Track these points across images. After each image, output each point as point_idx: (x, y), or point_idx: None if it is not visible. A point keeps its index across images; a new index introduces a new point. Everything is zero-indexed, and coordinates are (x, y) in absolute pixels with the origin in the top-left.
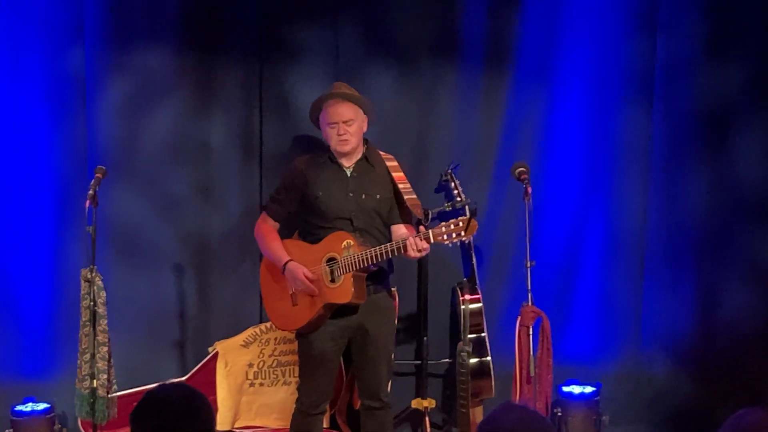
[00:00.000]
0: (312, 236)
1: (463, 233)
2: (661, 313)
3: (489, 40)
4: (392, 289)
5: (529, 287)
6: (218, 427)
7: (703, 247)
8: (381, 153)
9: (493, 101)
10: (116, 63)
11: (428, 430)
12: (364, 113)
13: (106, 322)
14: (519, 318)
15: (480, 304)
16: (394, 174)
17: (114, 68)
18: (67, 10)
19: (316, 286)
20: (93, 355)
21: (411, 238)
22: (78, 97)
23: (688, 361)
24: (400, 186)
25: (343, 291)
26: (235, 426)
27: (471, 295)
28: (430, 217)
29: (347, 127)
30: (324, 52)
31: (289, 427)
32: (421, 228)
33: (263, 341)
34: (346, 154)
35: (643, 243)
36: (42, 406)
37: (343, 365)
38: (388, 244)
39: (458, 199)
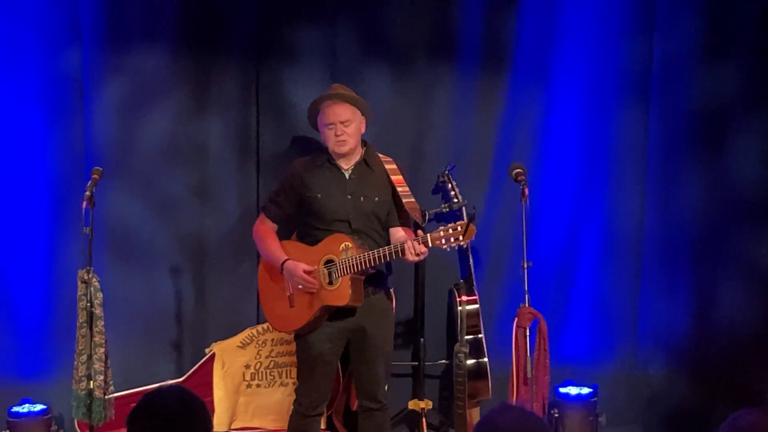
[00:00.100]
0: (310, 238)
1: (461, 238)
2: (658, 314)
3: (486, 41)
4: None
5: (526, 288)
6: (215, 429)
7: (699, 248)
8: (380, 155)
9: (490, 102)
10: (113, 64)
11: (425, 431)
12: (362, 114)
13: (103, 323)
14: (516, 319)
15: (477, 306)
16: (393, 177)
17: (111, 69)
18: (64, 11)
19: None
20: (90, 357)
21: (409, 242)
22: (75, 98)
23: (685, 362)
24: (399, 189)
25: (341, 293)
26: (232, 427)
27: (468, 296)
28: (427, 218)
29: (345, 128)
30: (321, 54)
31: (286, 428)
32: (420, 232)
33: (260, 342)
34: (344, 156)
35: (640, 244)
36: (39, 407)
37: (340, 366)
38: (386, 247)
39: (455, 200)
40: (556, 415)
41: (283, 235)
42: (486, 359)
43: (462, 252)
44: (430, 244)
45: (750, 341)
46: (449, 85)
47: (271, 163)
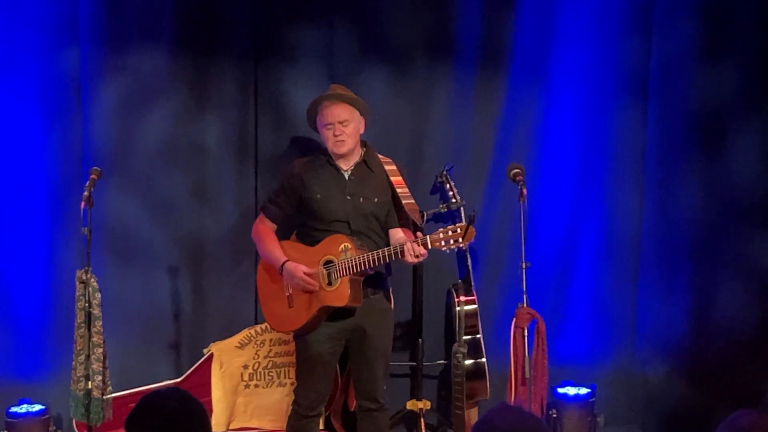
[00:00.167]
0: (309, 238)
1: (461, 240)
2: (656, 315)
3: (484, 42)
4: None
5: (525, 289)
6: (213, 429)
7: (697, 249)
8: (380, 156)
9: (488, 102)
10: (111, 64)
11: (423, 431)
12: (361, 114)
13: (101, 323)
14: (514, 319)
15: (475, 306)
16: (392, 178)
17: (109, 70)
18: (62, 11)
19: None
20: (88, 357)
21: (409, 244)
22: (73, 98)
23: (683, 362)
24: (399, 190)
25: (340, 294)
26: (230, 427)
27: (466, 296)
28: (425, 218)
29: (343, 128)
30: (320, 54)
31: (284, 428)
32: (419, 234)
33: (258, 342)
34: (343, 156)
35: (639, 244)
36: (37, 407)
37: (338, 367)
38: (385, 249)
39: (453, 200)
40: (555, 415)
41: (282, 235)
42: (484, 359)
43: (460, 252)
44: (430, 246)
45: (749, 341)
46: (448, 85)
47: (269, 163)
